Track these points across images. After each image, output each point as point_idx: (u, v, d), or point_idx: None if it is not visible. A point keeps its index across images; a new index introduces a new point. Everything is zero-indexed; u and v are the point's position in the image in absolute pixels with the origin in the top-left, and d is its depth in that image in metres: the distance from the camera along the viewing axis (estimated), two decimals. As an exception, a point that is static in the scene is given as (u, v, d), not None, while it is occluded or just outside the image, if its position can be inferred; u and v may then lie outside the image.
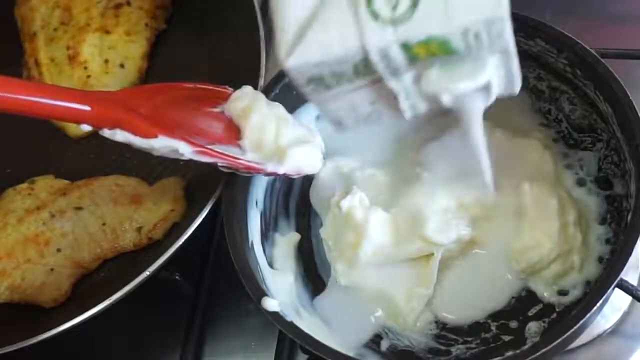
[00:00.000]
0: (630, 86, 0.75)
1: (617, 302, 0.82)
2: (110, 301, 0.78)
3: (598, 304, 0.68)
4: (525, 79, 0.83)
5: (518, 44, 0.79)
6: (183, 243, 0.80)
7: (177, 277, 0.86)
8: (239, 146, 0.74)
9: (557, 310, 0.76)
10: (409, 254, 0.77)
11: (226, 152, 0.74)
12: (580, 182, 0.80)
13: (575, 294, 0.76)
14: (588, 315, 0.68)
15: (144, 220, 0.86)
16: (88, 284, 0.87)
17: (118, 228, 0.86)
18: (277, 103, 0.77)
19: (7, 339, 0.78)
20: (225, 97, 0.76)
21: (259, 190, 0.81)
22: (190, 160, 0.73)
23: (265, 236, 0.81)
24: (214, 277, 0.89)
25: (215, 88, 0.77)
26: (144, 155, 0.92)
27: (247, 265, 0.72)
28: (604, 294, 0.69)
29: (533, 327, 0.75)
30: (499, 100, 0.84)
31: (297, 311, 0.76)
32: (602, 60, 0.76)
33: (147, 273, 0.79)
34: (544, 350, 0.67)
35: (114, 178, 0.89)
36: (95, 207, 0.86)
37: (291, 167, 0.74)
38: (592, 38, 0.80)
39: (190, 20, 1.00)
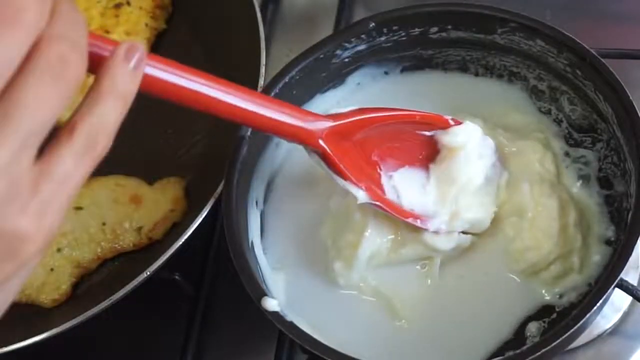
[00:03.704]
0: (630, 86, 0.75)
1: (617, 302, 0.82)
2: (110, 301, 0.78)
3: (598, 304, 0.68)
4: (525, 79, 0.84)
5: (518, 44, 0.80)
6: (183, 243, 0.80)
7: (177, 277, 0.86)
8: (427, 169, 0.76)
9: (557, 310, 0.75)
10: (408, 256, 0.77)
11: (396, 206, 0.74)
12: (581, 183, 0.80)
13: (575, 294, 0.75)
14: (588, 315, 0.68)
15: (144, 220, 0.86)
16: (88, 284, 0.87)
17: (118, 228, 0.86)
18: (489, 140, 0.78)
19: (7, 339, 0.78)
20: (443, 126, 0.76)
21: (259, 190, 0.81)
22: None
23: (265, 236, 0.81)
24: (214, 277, 0.89)
25: (438, 118, 0.76)
26: (144, 155, 0.92)
27: (247, 265, 0.72)
28: (604, 294, 0.69)
29: (533, 327, 0.75)
30: (499, 101, 0.84)
31: (297, 311, 0.75)
32: (602, 60, 0.76)
33: (147, 273, 0.79)
34: (544, 350, 0.67)
35: (114, 178, 0.89)
36: (95, 207, 0.86)
37: (456, 227, 0.76)
38: (592, 38, 0.80)
39: (190, 20, 1.00)
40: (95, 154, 0.47)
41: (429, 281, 0.78)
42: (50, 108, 0.44)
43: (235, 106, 0.63)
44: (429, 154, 0.76)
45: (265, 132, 0.69)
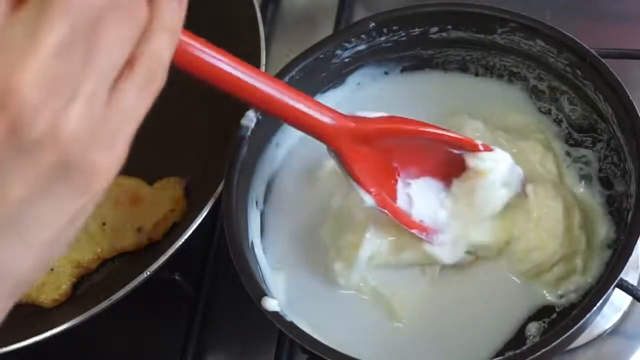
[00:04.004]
0: (630, 86, 0.75)
1: (617, 302, 0.82)
2: (110, 301, 0.78)
3: (598, 304, 0.68)
4: (525, 79, 0.84)
5: (518, 44, 0.80)
6: (183, 243, 0.80)
7: (177, 277, 0.86)
8: (449, 183, 0.76)
9: (557, 310, 0.75)
10: (408, 260, 0.77)
11: (404, 216, 0.74)
12: (583, 183, 0.80)
13: (576, 295, 0.75)
14: (588, 316, 0.68)
15: (144, 220, 0.86)
16: (88, 284, 0.87)
17: (118, 228, 0.86)
18: (518, 169, 0.76)
19: (7, 339, 0.78)
20: (473, 150, 0.74)
21: (259, 190, 0.81)
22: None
23: (265, 236, 0.81)
24: (214, 277, 0.89)
25: (468, 142, 0.75)
26: (144, 155, 0.92)
27: (247, 265, 0.72)
28: (603, 294, 0.69)
29: (533, 327, 0.75)
30: (499, 101, 0.84)
31: (297, 311, 0.75)
32: (602, 60, 0.76)
33: (147, 273, 0.79)
34: (543, 350, 0.67)
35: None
36: (95, 207, 0.86)
37: (460, 247, 0.76)
38: (592, 38, 0.80)
39: (189, 20, 0.99)
40: (154, 87, 0.51)
41: (429, 282, 0.78)
42: (123, 45, 0.48)
43: (253, 86, 0.65)
44: (454, 169, 0.76)
45: (285, 119, 0.70)
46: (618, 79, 0.74)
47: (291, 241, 0.81)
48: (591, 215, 0.78)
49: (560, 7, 0.99)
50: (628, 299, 0.82)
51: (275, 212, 0.82)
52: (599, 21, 1.00)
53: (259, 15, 0.90)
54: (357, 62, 0.84)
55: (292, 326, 0.70)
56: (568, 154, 0.81)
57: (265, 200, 0.82)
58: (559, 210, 0.76)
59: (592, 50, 0.76)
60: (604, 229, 0.77)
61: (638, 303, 0.79)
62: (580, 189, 0.79)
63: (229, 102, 0.90)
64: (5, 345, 0.78)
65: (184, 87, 0.95)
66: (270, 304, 0.70)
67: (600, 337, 0.82)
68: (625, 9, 1.01)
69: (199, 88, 0.94)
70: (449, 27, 0.81)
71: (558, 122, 0.83)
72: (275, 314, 0.70)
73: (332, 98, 0.84)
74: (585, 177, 0.80)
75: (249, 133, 0.77)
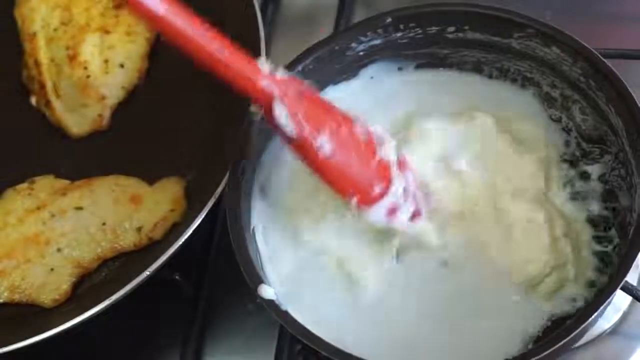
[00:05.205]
0: (630, 86, 0.75)
1: (617, 302, 0.82)
2: (110, 301, 0.78)
3: (601, 308, 0.68)
4: (538, 85, 0.83)
5: (534, 50, 0.80)
6: (183, 243, 0.80)
7: (177, 277, 0.86)
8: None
9: (552, 319, 0.75)
10: (369, 225, 0.76)
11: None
12: (571, 199, 0.79)
13: (570, 306, 0.75)
14: (589, 320, 0.68)
15: (144, 220, 0.86)
16: (88, 284, 0.87)
17: (118, 228, 0.86)
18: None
19: (7, 339, 0.78)
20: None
21: (263, 179, 0.81)
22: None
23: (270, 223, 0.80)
24: (214, 277, 0.89)
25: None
26: (144, 155, 0.92)
27: (247, 251, 0.72)
28: (606, 299, 0.68)
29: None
30: (511, 105, 0.84)
31: (295, 300, 0.75)
32: (615, 70, 0.75)
33: (147, 273, 0.79)
34: (545, 352, 0.67)
35: (114, 178, 0.89)
36: (95, 207, 0.86)
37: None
38: (592, 38, 0.80)
39: (190, 20, 0.99)
40: None
41: (425, 284, 0.77)
42: None
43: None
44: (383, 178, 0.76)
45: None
46: (631, 93, 0.74)
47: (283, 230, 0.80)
48: (577, 226, 0.77)
49: (561, 7, 0.99)
50: (628, 299, 0.82)
51: (275, 203, 0.82)
52: (599, 21, 1.00)
53: (259, 15, 0.90)
54: (371, 56, 0.83)
55: (286, 315, 0.70)
56: (571, 164, 0.80)
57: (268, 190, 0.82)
58: (540, 222, 0.76)
59: (607, 62, 0.76)
60: (590, 240, 0.77)
61: (638, 303, 0.79)
62: (568, 203, 0.78)
63: (229, 102, 0.90)
64: (5, 345, 0.78)
65: (184, 88, 0.96)
66: (267, 291, 0.70)
67: (600, 337, 0.82)
68: (625, 9, 1.01)
69: (199, 89, 0.95)
70: (466, 27, 0.81)
71: (567, 130, 0.82)
72: (271, 302, 0.70)
73: (344, 91, 0.84)
74: (577, 194, 0.79)
75: (258, 117, 0.76)
